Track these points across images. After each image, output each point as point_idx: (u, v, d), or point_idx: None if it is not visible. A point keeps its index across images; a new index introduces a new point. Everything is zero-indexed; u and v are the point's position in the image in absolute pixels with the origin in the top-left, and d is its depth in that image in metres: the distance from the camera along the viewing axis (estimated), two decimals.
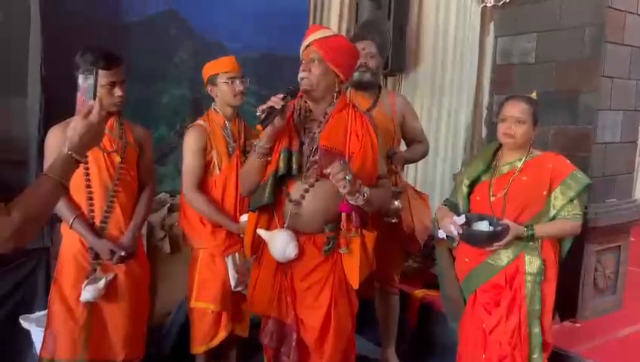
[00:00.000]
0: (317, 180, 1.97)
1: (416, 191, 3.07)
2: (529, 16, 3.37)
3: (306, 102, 2.06)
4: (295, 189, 2.00)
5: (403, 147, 3.05)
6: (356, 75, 2.75)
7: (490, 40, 4.08)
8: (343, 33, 4.06)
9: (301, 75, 1.98)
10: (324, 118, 2.03)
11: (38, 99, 2.79)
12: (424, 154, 3.03)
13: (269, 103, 1.87)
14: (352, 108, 2.07)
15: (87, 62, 2.01)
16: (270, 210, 2.06)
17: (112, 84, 2.14)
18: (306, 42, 2.00)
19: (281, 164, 1.96)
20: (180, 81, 3.58)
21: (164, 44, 3.48)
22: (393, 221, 2.73)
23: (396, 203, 2.70)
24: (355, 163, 1.96)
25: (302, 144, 2.01)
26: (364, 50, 2.76)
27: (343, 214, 1.97)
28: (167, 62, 3.52)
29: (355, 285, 2.04)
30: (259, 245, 2.10)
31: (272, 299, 2.08)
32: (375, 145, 2.03)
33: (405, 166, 3.15)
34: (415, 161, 3.14)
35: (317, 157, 1.97)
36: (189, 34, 3.55)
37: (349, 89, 2.89)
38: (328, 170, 1.82)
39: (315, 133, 2.02)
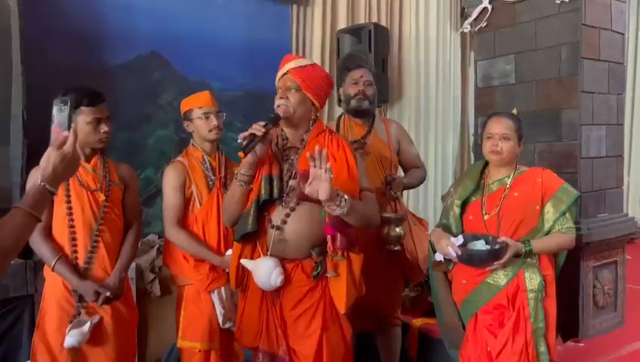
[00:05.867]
0: (297, 204, 1.96)
1: (416, 217, 3.01)
2: (506, 39, 3.45)
3: (282, 130, 2.08)
4: (276, 215, 1.99)
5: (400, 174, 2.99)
6: (354, 102, 2.77)
7: (471, 67, 4.15)
8: (326, 68, 4.13)
9: (278, 102, 2.00)
10: (301, 144, 2.05)
11: (21, 146, 2.77)
12: (422, 180, 2.97)
13: (251, 130, 1.89)
14: (328, 132, 2.09)
15: (70, 100, 2.00)
16: (254, 239, 2.03)
17: (98, 121, 2.14)
18: (282, 71, 2.04)
19: (263, 190, 1.96)
20: (165, 122, 3.58)
21: (148, 87, 3.50)
22: (395, 249, 2.66)
23: (398, 229, 2.64)
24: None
25: (281, 170, 2.01)
26: (361, 78, 2.78)
27: (328, 237, 1.94)
28: (152, 104, 3.53)
29: (342, 309, 1.98)
30: (244, 276, 2.07)
31: (259, 331, 2.03)
32: (351, 160, 2.03)
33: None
34: (413, 186, 3.05)
35: (296, 182, 1.96)
36: (173, 75, 3.58)
37: (344, 116, 2.89)
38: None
39: (293, 159, 2.03)
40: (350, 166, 2.02)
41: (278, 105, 1.99)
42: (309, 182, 1.78)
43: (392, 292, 2.83)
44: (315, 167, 1.77)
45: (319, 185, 1.77)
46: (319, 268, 1.97)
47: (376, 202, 2.10)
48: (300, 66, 2.01)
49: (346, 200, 1.84)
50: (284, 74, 2.02)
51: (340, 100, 3.98)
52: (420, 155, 3.08)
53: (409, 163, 2.93)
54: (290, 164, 2.02)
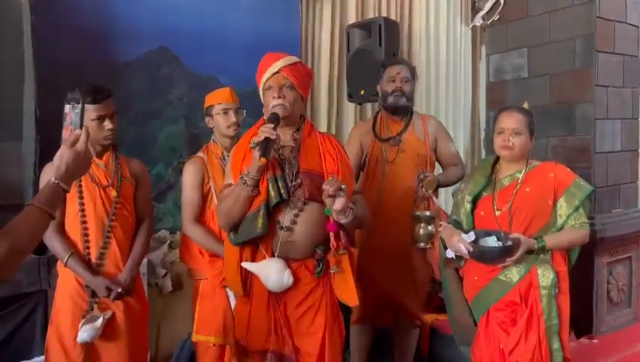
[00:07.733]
0: (305, 203, 1.95)
1: (447, 215, 2.98)
2: (519, 32, 3.41)
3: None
4: (284, 216, 1.96)
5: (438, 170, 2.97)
6: (391, 99, 2.75)
7: (482, 63, 4.11)
8: (335, 63, 4.11)
9: (276, 101, 1.96)
10: (294, 142, 2.03)
11: (33, 142, 2.78)
12: (460, 178, 2.89)
13: (263, 135, 1.85)
14: (316, 130, 2.11)
15: (82, 98, 2.01)
16: (254, 242, 2.00)
17: (102, 118, 2.13)
18: (274, 69, 1.98)
19: (272, 193, 1.93)
20: (175, 118, 3.57)
21: (157, 82, 3.49)
22: (427, 246, 2.66)
23: (429, 227, 2.64)
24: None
25: (283, 170, 1.98)
26: (399, 75, 2.76)
27: (331, 233, 1.94)
28: (162, 100, 3.53)
29: (355, 301, 2.00)
30: (246, 280, 2.04)
31: (269, 334, 2.02)
32: (348, 163, 2.07)
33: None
34: (450, 184, 2.98)
35: (299, 182, 1.96)
36: (182, 70, 3.56)
37: (381, 112, 2.86)
38: (326, 187, 1.83)
39: (291, 158, 2.01)
40: (348, 168, 2.06)
41: (275, 105, 1.96)
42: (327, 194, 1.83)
43: (417, 292, 2.82)
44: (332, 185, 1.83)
45: (337, 198, 1.83)
46: (321, 265, 1.98)
47: (365, 205, 2.13)
48: (291, 64, 1.99)
49: (353, 209, 1.89)
50: (276, 73, 1.97)
51: (350, 95, 3.98)
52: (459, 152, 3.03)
53: (447, 160, 2.89)
54: (289, 163, 2.00)
